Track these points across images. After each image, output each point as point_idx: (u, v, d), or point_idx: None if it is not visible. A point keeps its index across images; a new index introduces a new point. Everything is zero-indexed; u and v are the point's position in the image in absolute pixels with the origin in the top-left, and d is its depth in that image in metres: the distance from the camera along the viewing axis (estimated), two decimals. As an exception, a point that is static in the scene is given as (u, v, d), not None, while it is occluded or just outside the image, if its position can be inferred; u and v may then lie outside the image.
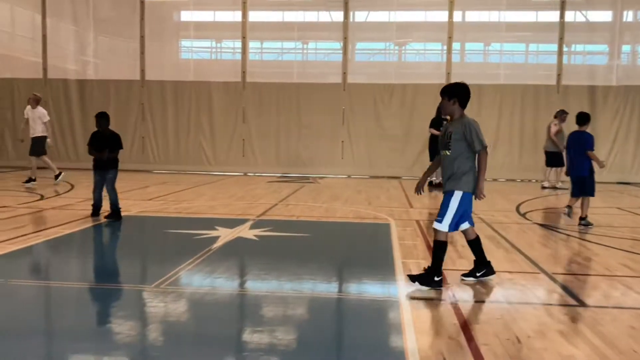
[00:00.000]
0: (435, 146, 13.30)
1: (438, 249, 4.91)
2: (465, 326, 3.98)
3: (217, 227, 7.49)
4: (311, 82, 16.96)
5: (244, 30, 16.83)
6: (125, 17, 17.51)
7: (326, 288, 5.08)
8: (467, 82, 5.08)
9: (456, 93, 4.92)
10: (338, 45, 18.01)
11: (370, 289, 5.07)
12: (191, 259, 5.78)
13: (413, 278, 4.92)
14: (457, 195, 4.85)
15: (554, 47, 16.34)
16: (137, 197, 10.44)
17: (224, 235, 7.06)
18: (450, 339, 3.72)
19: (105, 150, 7.99)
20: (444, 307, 4.44)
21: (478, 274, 5.13)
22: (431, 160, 13.42)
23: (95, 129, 8.21)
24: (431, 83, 15.76)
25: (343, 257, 6.45)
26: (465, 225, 5.07)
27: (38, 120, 12.40)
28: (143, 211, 9.03)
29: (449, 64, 16.21)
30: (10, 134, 17.20)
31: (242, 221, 8.11)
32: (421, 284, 4.85)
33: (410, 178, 16.17)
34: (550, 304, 4.64)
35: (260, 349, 3.58)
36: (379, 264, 5.87)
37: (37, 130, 12.44)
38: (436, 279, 4.85)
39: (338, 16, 17.16)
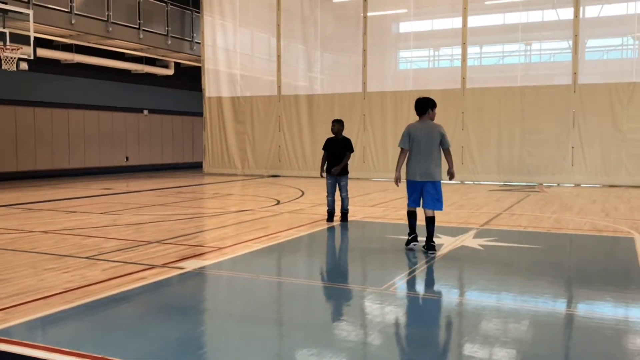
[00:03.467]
0: None
1: (408, 217, 6.65)
2: None
3: (439, 235, 7.47)
4: (536, 85, 16.03)
5: (464, 36, 16.59)
6: (348, 33, 18.56)
7: (562, 305, 4.73)
8: None
9: None
10: (565, 44, 16.79)
11: (615, 310, 4.59)
12: (417, 264, 5.87)
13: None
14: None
15: None
16: (360, 204, 10.93)
17: (448, 243, 7.03)
18: None
19: (333, 161, 8.51)
20: None
21: (413, 244, 6.62)
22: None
23: (328, 137, 8.83)
24: (683, 79, 13.82)
25: (579, 272, 5.96)
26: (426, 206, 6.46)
27: None
28: (367, 217, 9.42)
29: None
30: (250, 145, 19.35)
31: (465, 230, 7.99)
32: (406, 244, 6.70)
33: (655, 187, 14.32)
34: None
35: (494, 361, 3.49)
36: (623, 281, 5.30)
37: None
38: (409, 238, 6.64)
39: (566, 13, 15.98)
